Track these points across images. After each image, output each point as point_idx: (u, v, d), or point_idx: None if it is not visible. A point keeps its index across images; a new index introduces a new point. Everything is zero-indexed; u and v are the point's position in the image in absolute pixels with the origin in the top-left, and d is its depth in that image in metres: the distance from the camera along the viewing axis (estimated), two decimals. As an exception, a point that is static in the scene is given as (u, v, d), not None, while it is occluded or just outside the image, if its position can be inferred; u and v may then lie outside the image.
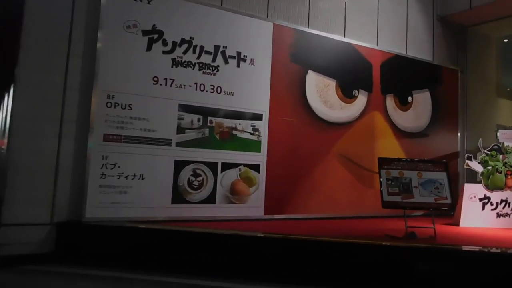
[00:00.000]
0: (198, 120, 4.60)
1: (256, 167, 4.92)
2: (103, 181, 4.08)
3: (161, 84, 4.43)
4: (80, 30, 4.11)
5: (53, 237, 3.90)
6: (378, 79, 6.05)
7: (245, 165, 4.84)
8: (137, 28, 4.31)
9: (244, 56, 4.94)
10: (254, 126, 4.94)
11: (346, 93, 5.72)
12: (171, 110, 4.46)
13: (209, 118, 4.66)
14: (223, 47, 4.80)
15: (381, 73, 6.07)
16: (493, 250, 3.52)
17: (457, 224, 5.16)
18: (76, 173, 4.04)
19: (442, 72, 6.87)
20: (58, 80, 4.00)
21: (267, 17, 5.24)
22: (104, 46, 4.16)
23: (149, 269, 3.65)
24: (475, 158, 5.53)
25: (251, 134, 4.91)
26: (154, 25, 4.41)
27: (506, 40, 8.32)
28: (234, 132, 4.81)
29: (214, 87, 4.71)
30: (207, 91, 4.67)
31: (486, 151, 5.36)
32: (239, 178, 4.80)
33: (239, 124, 4.85)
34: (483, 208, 5.14)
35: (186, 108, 4.53)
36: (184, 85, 4.55)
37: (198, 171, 4.56)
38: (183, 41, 4.57)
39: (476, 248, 3.51)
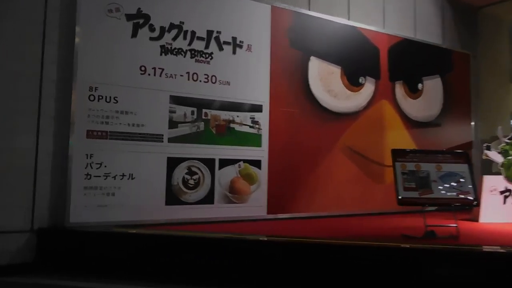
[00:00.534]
0: (192, 113, 4.19)
1: (257, 163, 4.51)
2: (88, 182, 3.68)
3: (149, 74, 4.02)
4: (55, 14, 3.70)
5: (33, 245, 3.51)
6: (385, 65, 5.63)
7: (244, 161, 4.44)
8: (120, 12, 3.90)
9: (240, 42, 4.52)
10: (254, 118, 4.53)
11: (352, 81, 5.31)
12: (162, 102, 4.06)
13: (203, 110, 4.26)
14: (217, 32, 4.39)
15: (388, 59, 5.65)
16: (527, 249, 3.11)
17: (476, 220, 4.75)
18: (57, 174, 3.65)
19: (452, 57, 6.44)
20: (33, 70, 3.59)
21: (265, -1, 4.82)
22: (84, 33, 3.75)
23: (140, 278, 3.26)
24: (493, 148, 5.12)
25: (250, 127, 4.51)
26: (139, 8, 4.00)
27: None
28: (232, 125, 4.41)
29: (208, 76, 4.30)
30: (200, 81, 4.26)
31: (506, 139, 4.93)
32: (238, 176, 4.40)
33: (237, 116, 4.44)
34: (504, 202, 4.73)
35: (178, 100, 4.13)
36: (175, 75, 4.14)
37: (193, 169, 4.16)
38: (172, 26, 4.15)
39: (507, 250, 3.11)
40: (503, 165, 4.81)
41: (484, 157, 5.01)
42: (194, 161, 4.16)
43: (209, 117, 4.28)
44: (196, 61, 4.27)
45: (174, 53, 4.16)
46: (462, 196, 3.65)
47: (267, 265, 3.20)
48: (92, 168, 3.70)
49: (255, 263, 3.22)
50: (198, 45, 4.29)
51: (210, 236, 3.44)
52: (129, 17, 3.94)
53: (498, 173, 4.87)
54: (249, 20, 4.59)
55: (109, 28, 3.85)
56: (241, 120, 4.46)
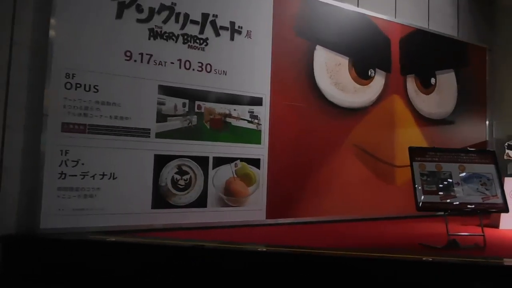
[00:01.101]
0: (183, 105, 3.74)
1: (255, 162, 4.06)
2: (62, 182, 3.23)
3: (135, 61, 3.56)
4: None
5: (-2, 254, 3.06)
6: (397, 57, 5.17)
7: (242, 159, 3.99)
8: (103, -12, 3.45)
9: (239, 27, 4.06)
10: (253, 112, 4.08)
11: (361, 73, 4.85)
12: (149, 92, 3.60)
13: (196, 102, 3.80)
14: (213, 15, 3.93)
15: (400, 50, 5.19)
16: None
17: (496, 226, 4.31)
18: (27, 173, 3.20)
19: (468, 50, 5.99)
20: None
21: (267, -19, 4.36)
22: (60, 12, 3.29)
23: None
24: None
25: (249, 122, 4.05)
26: (124, -15, 3.55)
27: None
28: (228, 119, 3.95)
29: (202, 64, 3.85)
30: (193, 70, 3.81)
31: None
32: (235, 176, 3.94)
33: (234, 110, 3.98)
34: (527, 207, 4.27)
35: (167, 91, 3.67)
36: (165, 62, 3.68)
37: (184, 168, 3.71)
38: (162, 7, 3.70)
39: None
40: (527, 166, 4.36)
41: (505, 157, 4.56)
42: (185, 159, 3.71)
43: (202, 110, 3.83)
44: (189, 47, 3.81)
45: (165, 37, 3.70)
46: (489, 201, 3.20)
47: (266, 281, 2.74)
48: (67, 166, 3.25)
49: (252, 279, 2.76)
50: (192, 30, 3.83)
51: (201, 246, 2.98)
52: (112, -5, 3.49)
53: (517, 175, 4.43)
54: (249, 4, 4.13)
55: (89, 8, 3.39)
56: (239, 114, 4.00)
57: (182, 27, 3.78)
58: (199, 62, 3.84)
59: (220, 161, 3.88)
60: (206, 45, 3.89)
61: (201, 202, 3.76)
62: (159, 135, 3.61)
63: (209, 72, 3.88)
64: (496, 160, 3.37)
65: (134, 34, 3.57)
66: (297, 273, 2.74)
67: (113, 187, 3.39)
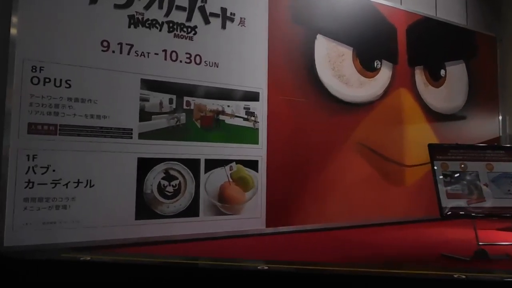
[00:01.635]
0: (170, 101, 3.31)
1: (253, 164, 3.63)
2: (29, 192, 2.79)
3: (113, 51, 3.13)
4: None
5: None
6: (404, 47, 4.76)
7: (237, 161, 3.56)
8: (73, -32, 3.01)
9: (231, 14, 3.64)
10: (249, 108, 3.65)
11: (366, 65, 4.44)
12: (130, 87, 3.17)
13: (185, 98, 3.37)
14: (202, 1, 3.51)
15: (407, 40, 4.78)
16: None
17: (519, 229, 3.92)
18: (-12, 182, 2.75)
19: (477, 40, 5.59)
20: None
21: (261, -36, 3.93)
22: (24, -5, 2.86)
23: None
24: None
25: (244, 119, 3.63)
26: (98, -36, 3.11)
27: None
28: (221, 117, 3.52)
29: (191, 56, 3.42)
30: (181, 61, 3.38)
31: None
32: (230, 180, 3.52)
33: (228, 106, 3.56)
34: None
35: (151, 85, 3.24)
36: (148, 53, 3.25)
37: (172, 173, 3.27)
38: (144, -10, 3.27)
39: None
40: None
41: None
42: (173, 162, 3.28)
43: (192, 107, 3.40)
44: (176, 36, 3.38)
45: (147, 25, 3.27)
46: (523, 206, 2.78)
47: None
48: (35, 173, 2.81)
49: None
50: (178, 17, 3.40)
51: (193, 264, 2.55)
52: (85, -24, 3.05)
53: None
54: (241, -13, 3.71)
55: (57, -10, 2.96)
56: (233, 111, 3.58)
57: (167, 14, 3.35)
58: (187, 53, 3.41)
59: (213, 164, 3.45)
60: (195, 34, 3.46)
61: (192, 210, 3.33)
62: (142, 135, 3.17)
63: (198, 64, 3.45)
64: (527, 158, 2.95)
65: (111, 21, 3.14)
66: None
67: (90, 196, 2.95)
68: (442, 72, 5.12)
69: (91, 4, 3.07)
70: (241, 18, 3.68)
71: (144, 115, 3.19)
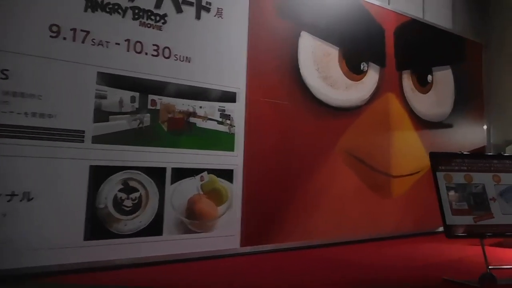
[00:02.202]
0: (132, 99, 2.82)
1: (227, 174, 3.18)
2: (-50, 206, 2.24)
3: (65, 38, 2.61)
4: None
5: None
6: (392, 50, 4.43)
7: (209, 171, 3.10)
8: None
9: (207, 3, 3.19)
10: (224, 110, 3.21)
11: (353, 67, 4.07)
12: (84, 82, 2.66)
13: (150, 97, 2.89)
14: (173, -15, 3.05)
15: (395, 42, 4.46)
16: None
17: (509, 246, 3.62)
18: None
19: (464, 46, 5.36)
20: None
21: (241, -51, 3.50)
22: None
23: None
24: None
25: (219, 122, 3.18)
26: None
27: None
28: (193, 119, 3.06)
29: (158, 48, 2.95)
30: (147, 54, 2.90)
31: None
32: (201, 193, 3.05)
33: (200, 107, 3.10)
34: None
35: (110, 80, 2.75)
36: (107, 42, 2.76)
37: (132, 184, 2.78)
38: (103, -32, 2.78)
39: None
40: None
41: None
42: (134, 171, 2.78)
43: (158, 107, 2.92)
44: (142, 24, 2.90)
45: (107, 10, 2.78)
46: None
47: None
48: (-42, 183, 2.26)
49: None
50: (145, 2, 2.93)
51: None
52: None
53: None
54: (219, -27, 3.27)
55: (-7, -41, 2.43)
56: (206, 113, 3.12)
57: (131, -3, 2.88)
58: (154, 45, 2.93)
59: (181, 174, 2.97)
60: (164, 23, 2.99)
61: (155, 228, 2.84)
62: (97, 139, 2.67)
63: (167, 58, 2.97)
64: (537, 171, 2.62)
65: (63, 2, 2.63)
66: None
67: (28, 212, 2.41)
68: (429, 77, 4.84)
69: (37, -19, 2.56)
70: (218, 8, 3.24)
71: (100, 115, 2.69)
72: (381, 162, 4.25)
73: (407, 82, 4.58)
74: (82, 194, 2.59)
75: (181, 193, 2.97)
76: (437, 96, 4.90)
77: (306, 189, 3.64)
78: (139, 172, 2.80)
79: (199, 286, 2.39)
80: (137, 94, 2.83)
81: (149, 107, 2.88)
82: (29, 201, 2.41)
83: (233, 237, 3.18)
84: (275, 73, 3.50)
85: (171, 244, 2.89)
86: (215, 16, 3.23)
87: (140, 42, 2.87)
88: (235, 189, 3.21)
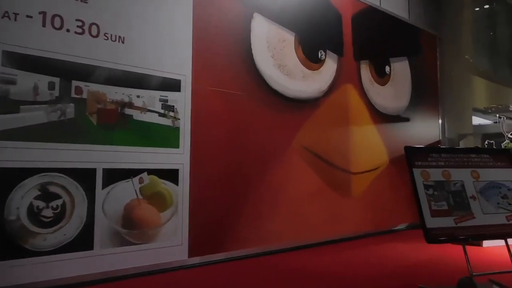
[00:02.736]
0: (51, 86, 2.31)
1: (172, 175, 2.74)
2: None
3: (-44, 7, 2.07)
4: None
5: None
6: (349, 38, 4.17)
7: (150, 172, 2.64)
8: None
9: (143, -27, 2.73)
10: (166, 101, 2.76)
11: (310, 55, 3.75)
12: (-15, 63, 2.13)
13: (74, 83, 2.40)
14: (102, -50, 2.55)
15: (352, 29, 4.19)
16: None
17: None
18: None
19: (420, 37, 5.23)
20: None
21: None
22: None
23: None
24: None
25: (160, 115, 2.73)
26: None
27: (477, 9, 7.03)
28: (128, 111, 2.59)
29: (84, 24, 2.45)
30: (69, 31, 2.40)
31: (510, 135, 3.71)
32: (140, 197, 2.58)
33: (138, 96, 2.63)
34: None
35: (21, 62, 2.22)
36: (16, 15, 2.23)
37: (52, 189, 2.27)
38: None
39: None
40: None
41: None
42: (54, 174, 2.27)
43: (85, 96, 2.42)
44: (61, -5, 2.40)
45: (15, -25, 2.25)
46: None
47: None
48: None
49: None
50: (65, -31, 2.42)
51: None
52: None
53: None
54: None
55: None
56: (145, 103, 2.66)
57: (48, -38, 2.36)
58: (78, 20, 2.43)
59: (115, 176, 2.50)
60: (91, -5, 2.50)
61: (83, 242, 2.35)
62: (4, 135, 2.14)
63: (95, 36, 2.48)
64: (514, 164, 2.41)
65: (-46, -39, 2.08)
66: None
67: None
68: (387, 68, 4.63)
69: None
70: (157, -19, 2.78)
71: (8, 105, 2.16)
72: (340, 158, 3.97)
73: (366, 73, 4.33)
74: (-17, 204, 2.05)
75: (116, 198, 2.49)
76: (395, 88, 4.71)
77: (261, 189, 3.27)
78: (62, 175, 2.29)
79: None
80: (57, 80, 2.32)
81: (73, 95, 2.38)
82: None
83: (179, 247, 2.75)
84: (225, 58, 3.10)
85: (105, 259, 2.41)
86: (154, -10, 2.77)
87: (59, 16, 2.36)
88: (181, 191, 2.77)
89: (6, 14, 2.19)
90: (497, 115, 4.99)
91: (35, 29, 2.27)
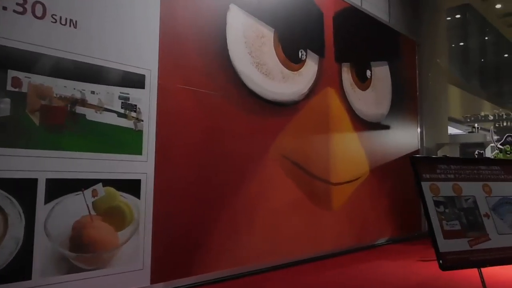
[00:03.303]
0: (-20, 75, 1.85)
1: (132, 186, 2.31)
2: None
3: None
4: None
5: None
6: (331, 38, 3.88)
7: (106, 182, 2.20)
8: None
9: (102, -52, 2.31)
10: (128, 99, 2.34)
11: (290, 54, 3.43)
12: None
13: (11, 73, 1.94)
14: None
15: (334, 29, 3.91)
16: None
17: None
18: None
19: (399, 41, 5.03)
20: None
21: None
22: None
23: None
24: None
25: (120, 115, 2.30)
26: None
27: (448, 19, 6.96)
28: (80, 109, 2.15)
29: (25, 2, 2.00)
30: (6, 9, 1.95)
31: (499, 145, 3.51)
32: (93, 213, 2.14)
33: (93, 93, 2.20)
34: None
35: None
36: None
37: (-22, 204, 1.80)
38: None
39: None
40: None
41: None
42: (-20, 186, 1.81)
43: (25, 90, 1.97)
44: (-4, -35, 1.95)
45: None
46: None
47: None
48: None
49: None
50: None
51: None
52: None
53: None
54: None
55: None
56: (102, 101, 2.23)
57: None
58: (19, -2, 1.99)
59: (62, 188, 2.05)
60: (36, -32, 2.06)
61: (19, 270, 1.89)
62: None
63: (40, 18, 2.04)
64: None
65: None
66: None
67: None
68: (368, 72, 4.37)
69: None
70: (118, -42, 2.37)
71: None
72: (321, 167, 3.65)
73: (347, 76, 4.05)
74: None
75: (62, 215, 2.04)
76: (376, 94, 4.46)
77: (236, 202, 2.88)
78: (-10, 187, 1.83)
79: None
80: (-12, 69, 1.87)
81: (10, 88, 1.93)
82: None
83: (140, 271, 2.32)
84: (198, 53, 2.71)
85: (45, 291, 1.95)
86: (115, -30, 2.36)
87: (-5, -8, 1.91)
88: (143, 206, 2.34)
89: None
90: (476, 125, 4.84)
91: (-40, 4, 1.82)
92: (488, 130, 6.90)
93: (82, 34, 2.17)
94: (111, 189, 2.22)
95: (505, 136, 3.55)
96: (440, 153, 5.43)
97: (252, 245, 2.93)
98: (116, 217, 2.23)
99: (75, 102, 2.13)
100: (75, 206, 2.09)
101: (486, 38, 9.13)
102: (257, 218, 3.01)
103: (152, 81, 2.45)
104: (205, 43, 2.76)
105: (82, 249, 2.10)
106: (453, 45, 7.29)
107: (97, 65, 2.22)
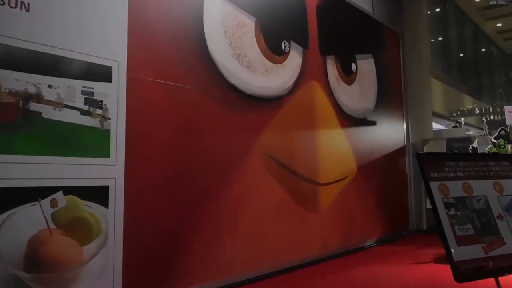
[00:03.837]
0: None
1: (99, 194, 2.03)
2: None
3: None
4: None
5: None
6: (315, 30, 3.66)
7: (68, 191, 1.91)
8: None
9: None
10: (92, 94, 2.05)
11: (272, 45, 3.19)
12: None
13: None
14: None
15: (318, 20, 3.69)
16: None
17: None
18: None
19: (383, 33, 4.87)
20: None
21: None
22: None
23: None
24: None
25: (83, 112, 2.01)
26: None
27: (428, 12, 6.86)
28: (35, 106, 1.85)
29: (-35, -20, 1.70)
30: None
31: (493, 139, 3.35)
32: (52, 227, 1.85)
33: (50, 86, 1.90)
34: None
35: None
36: None
37: None
38: None
39: None
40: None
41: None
42: None
43: (-35, 83, 1.67)
44: None
45: None
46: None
47: None
48: None
49: None
50: None
51: None
52: None
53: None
54: None
55: None
56: (61, 97, 1.93)
57: None
58: (-44, -26, 1.67)
59: (14, 198, 1.75)
60: None
61: (-42, 299, 1.59)
62: None
63: (-16, -1, 1.74)
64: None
65: None
66: None
67: None
68: (353, 66, 4.18)
69: None
70: None
71: None
72: (307, 167, 3.43)
73: (332, 69, 3.85)
74: None
75: (15, 229, 1.74)
76: (361, 88, 4.27)
77: (216, 207, 2.63)
78: None
79: None
80: None
81: None
82: None
83: (109, 290, 2.04)
84: (171, 42, 2.44)
85: (-6, 321, 1.66)
86: None
87: None
88: (112, 216, 2.06)
89: None
90: (462, 119, 4.72)
91: None
92: (471, 125, 6.84)
93: (36, 19, 1.87)
94: (74, 198, 1.92)
95: (498, 130, 3.41)
96: (426, 150, 5.29)
97: (235, 254, 2.69)
98: (80, 230, 1.94)
99: (28, 97, 1.83)
100: (31, 219, 1.79)
101: (465, 32, 9.14)
102: (239, 224, 2.76)
103: (120, 74, 2.16)
104: (180, 32, 2.49)
105: (39, 269, 1.80)
106: (432, 40, 7.19)
107: (56, 55, 1.92)
